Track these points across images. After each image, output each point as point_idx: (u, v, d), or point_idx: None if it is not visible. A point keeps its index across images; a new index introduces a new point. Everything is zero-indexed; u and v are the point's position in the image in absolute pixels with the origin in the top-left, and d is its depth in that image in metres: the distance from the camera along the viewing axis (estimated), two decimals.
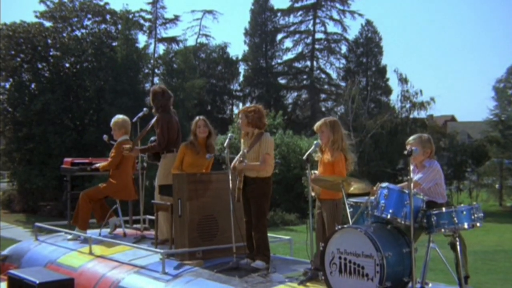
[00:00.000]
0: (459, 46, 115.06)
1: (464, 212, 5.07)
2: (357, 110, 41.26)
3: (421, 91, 41.06)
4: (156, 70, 48.62)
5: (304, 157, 5.93)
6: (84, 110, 42.67)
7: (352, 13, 55.50)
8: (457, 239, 5.16)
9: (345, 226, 5.21)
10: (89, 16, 44.21)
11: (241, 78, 56.93)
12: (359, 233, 4.97)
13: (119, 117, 8.75)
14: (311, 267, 5.95)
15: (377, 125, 39.60)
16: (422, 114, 42.23)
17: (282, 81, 57.45)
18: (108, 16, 44.63)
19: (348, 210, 5.56)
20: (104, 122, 40.43)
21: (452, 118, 67.29)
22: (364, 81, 51.45)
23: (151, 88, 8.54)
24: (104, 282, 6.88)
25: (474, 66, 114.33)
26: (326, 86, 57.61)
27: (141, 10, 49.01)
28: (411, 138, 5.93)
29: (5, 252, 8.90)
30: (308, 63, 56.98)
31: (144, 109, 8.46)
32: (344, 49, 56.60)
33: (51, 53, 42.26)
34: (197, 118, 7.66)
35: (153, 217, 8.90)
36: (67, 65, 42.80)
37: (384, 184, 5.27)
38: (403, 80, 41.72)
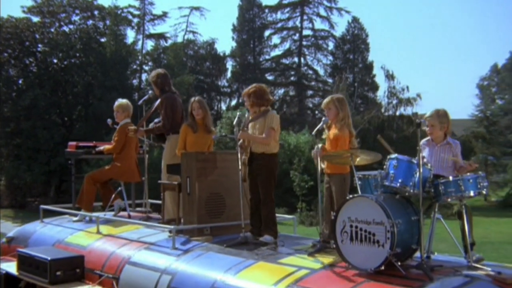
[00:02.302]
0: (444, 44, 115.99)
1: (471, 181, 5.27)
2: None
3: (407, 87, 41.46)
4: (144, 66, 48.61)
5: (313, 132, 6.13)
6: (73, 105, 42.64)
7: (339, 10, 56.10)
8: (463, 207, 5.38)
9: (356, 195, 5.40)
10: (77, 11, 44.14)
11: (229, 74, 57.18)
12: (370, 201, 5.16)
13: (123, 100, 8.91)
14: (320, 239, 6.15)
15: (364, 120, 39.90)
16: (409, 111, 42.57)
17: (270, 77, 57.66)
18: (96, 12, 44.58)
19: (357, 183, 5.73)
20: (93, 117, 40.44)
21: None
22: (351, 77, 51.83)
23: (154, 72, 8.67)
24: (114, 258, 6.98)
25: (458, 64, 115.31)
26: (313, 83, 58.00)
27: (129, 6, 49.06)
28: (428, 113, 6.10)
29: (11, 234, 8.99)
30: (296, 59, 57.34)
31: (150, 92, 8.67)
32: (331, 45, 57.22)
33: (39, 49, 42.11)
34: (192, 99, 7.78)
35: (155, 201, 9.09)
36: (55, 60, 42.68)
37: (393, 155, 5.47)
38: (389, 77, 42.11)
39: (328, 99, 6.44)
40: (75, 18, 44.27)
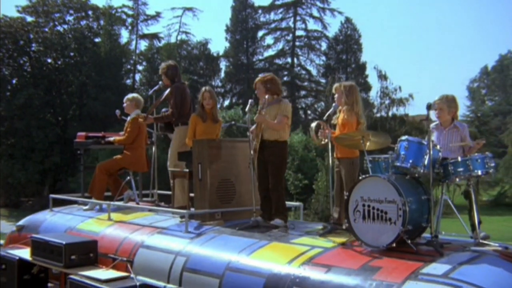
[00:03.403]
0: (436, 46, 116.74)
1: (479, 160, 5.47)
2: None
3: (400, 87, 41.64)
4: (138, 66, 48.70)
5: (324, 117, 6.34)
6: (67, 105, 42.68)
7: (332, 10, 56.22)
8: (471, 186, 5.60)
9: (368, 175, 5.60)
10: (71, 11, 44.20)
11: (222, 75, 57.27)
12: (383, 180, 5.35)
13: (133, 94, 9.18)
14: (331, 221, 6.35)
15: None
16: (401, 111, 42.73)
17: None
18: (90, 12, 44.66)
19: (368, 165, 5.93)
20: (87, 117, 40.50)
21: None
22: (344, 77, 51.96)
23: (164, 64, 8.88)
24: (127, 243, 7.12)
25: (449, 65, 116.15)
26: (306, 83, 58.17)
27: (123, 6, 49.13)
28: (437, 98, 6.34)
29: (20, 222, 9.12)
30: (289, 59, 57.52)
31: (160, 82, 8.81)
32: (324, 46, 57.36)
33: (33, 48, 42.13)
34: (203, 89, 7.96)
35: (162, 192, 9.26)
36: (50, 60, 42.72)
37: (404, 137, 5.68)
38: (382, 77, 42.27)
39: (337, 85, 6.65)
40: (69, 18, 44.43)
